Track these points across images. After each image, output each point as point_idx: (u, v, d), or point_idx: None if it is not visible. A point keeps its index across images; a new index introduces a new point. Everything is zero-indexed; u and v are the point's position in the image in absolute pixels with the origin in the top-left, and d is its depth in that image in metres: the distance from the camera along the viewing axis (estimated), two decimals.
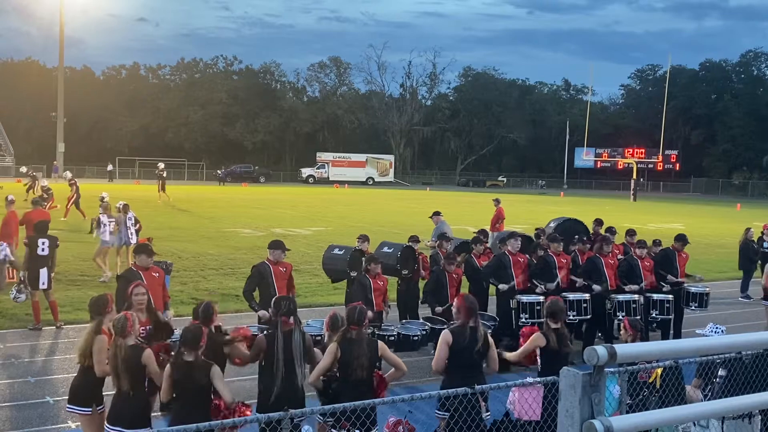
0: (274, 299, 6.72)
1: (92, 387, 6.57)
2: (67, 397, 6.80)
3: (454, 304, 7.02)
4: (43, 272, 12.20)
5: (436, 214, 15.63)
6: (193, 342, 5.88)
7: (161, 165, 44.76)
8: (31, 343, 11.35)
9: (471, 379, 6.74)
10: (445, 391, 5.10)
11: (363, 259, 10.76)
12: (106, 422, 6.25)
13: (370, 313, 7.71)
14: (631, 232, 13.56)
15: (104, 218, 16.78)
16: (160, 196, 40.06)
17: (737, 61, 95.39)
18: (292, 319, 6.38)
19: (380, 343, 6.57)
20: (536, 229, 14.88)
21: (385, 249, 11.95)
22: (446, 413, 6.36)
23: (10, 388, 9.30)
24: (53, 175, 64.31)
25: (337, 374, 6.32)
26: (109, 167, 71.64)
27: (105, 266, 16.41)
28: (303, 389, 6.33)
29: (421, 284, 11.95)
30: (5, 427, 8.03)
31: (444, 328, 9.90)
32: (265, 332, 6.65)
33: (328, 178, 79.58)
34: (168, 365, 5.97)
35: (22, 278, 12.52)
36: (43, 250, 12.33)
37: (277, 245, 9.75)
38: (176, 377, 5.83)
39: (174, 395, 5.90)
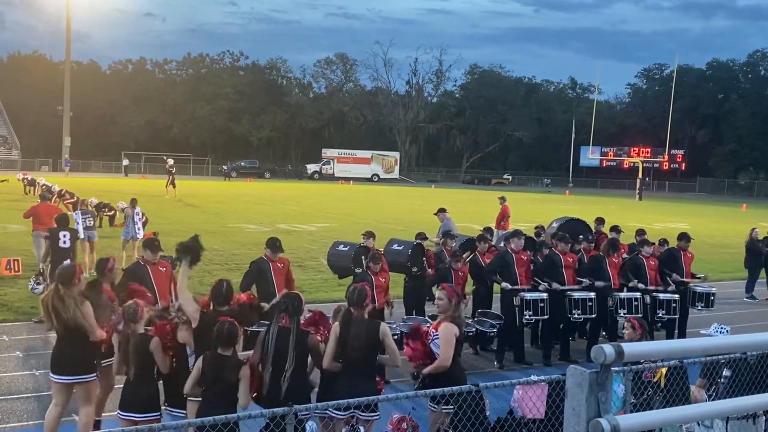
0: (280, 295, 6.70)
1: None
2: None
3: (441, 295, 6.83)
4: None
5: (442, 211, 15.58)
6: (229, 338, 5.86)
7: (171, 161, 44.93)
8: (36, 336, 11.38)
9: (462, 369, 6.80)
10: (449, 388, 5.08)
11: (369, 255, 10.76)
12: (118, 410, 6.37)
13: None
14: (640, 232, 13.57)
15: (77, 215, 16.62)
16: (167, 191, 40.17)
17: (744, 60, 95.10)
18: (291, 319, 6.22)
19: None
20: (536, 227, 14.85)
21: (395, 246, 11.94)
22: (450, 407, 6.33)
23: (14, 380, 9.33)
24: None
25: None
26: (125, 162, 71.72)
27: (86, 263, 16.28)
28: (295, 388, 6.24)
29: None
30: (10, 419, 8.06)
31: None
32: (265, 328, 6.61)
33: (333, 174, 79.59)
34: (200, 358, 5.97)
35: (42, 270, 12.58)
36: (64, 242, 12.38)
37: (271, 244, 9.72)
38: (207, 371, 5.81)
39: (203, 388, 5.90)
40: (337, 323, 6.42)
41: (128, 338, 6.30)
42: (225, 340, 5.85)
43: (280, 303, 6.40)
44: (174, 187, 40.76)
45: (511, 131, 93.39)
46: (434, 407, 6.59)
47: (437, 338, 6.61)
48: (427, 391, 5.64)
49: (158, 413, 6.27)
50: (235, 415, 4.18)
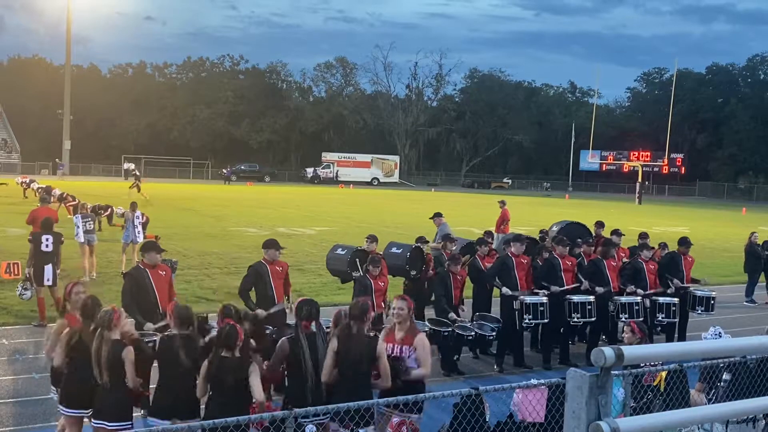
0: (296, 303, 6.69)
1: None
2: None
3: (402, 305, 6.75)
4: (48, 269, 12.20)
5: (438, 215, 15.58)
6: (228, 341, 5.88)
7: (131, 165, 44.79)
8: (35, 340, 11.37)
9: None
10: (449, 391, 5.08)
11: (368, 257, 10.76)
12: (92, 418, 6.27)
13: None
14: (643, 235, 13.59)
15: (77, 219, 16.61)
16: (144, 194, 39.47)
17: (744, 65, 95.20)
18: (313, 324, 6.36)
19: (381, 345, 6.39)
20: (540, 232, 14.89)
21: (394, 249, 11.94)
22: (417, 415, 6.33)
23: (14, 384, 9.33)
24: (58, 172, 64.09)
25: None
26: (125, 165, 71.66)
27: (86, 267, 16.32)
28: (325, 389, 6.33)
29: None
30: (9, 423, 8.05)
31: (449, 330, 9.95)
32: (288, 336, 6.61)
33: (333, 178, 79.63)
34: (205, 362, 5.95)
35: (28, 275, 12.54)
36: (47, 246, 12.32)
37: (271, 244, 9.67)
38: (213, 374, 5.83)
39: (210, 392, 5.91)
40: (335, 338, 6.37)
41: (100, 344, 6.14)
42: (224, 342, 5.89)
43: (300, 310, 6.41)
44: (138, 190, 40.26)
45: (510, 135, 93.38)
46: (398, 413, 6.36)
47: (413, 353, 6.56)
48: (427, 395, 5.62)
49: (130, 422, 6.16)
50: (234, 419, 4.16)
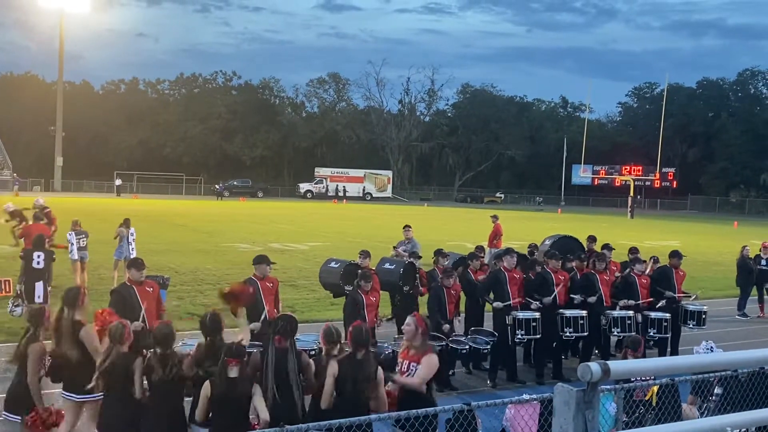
0: (274, 317, 6.70)
1: None
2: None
3: (410, 321, 6.78)
4: (39, 286, 12.16)
5: (407, 227, 15.87)
6: (237, 357, 5.85)
7: None
8: None
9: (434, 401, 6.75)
10: (441, 407, 5.06)
11: (359, 272, 10.77)
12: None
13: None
14: (633, 250, 13.64)
15: (71, 236, 16.57)
16: None
17: (734, 79, 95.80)
18: (287, 340, 6.28)
19: (381, 372, 6.38)
20: (529, 246, 14.91)
21: (387, 265, 11.95)
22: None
23: (3, 402, 9.24)
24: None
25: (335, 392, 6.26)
26: (117, 182, 71.47)
27: (78, 283, 16.25)
28: (302, 409, 6.26)
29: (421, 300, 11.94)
30: None
31: (442, 345, 9.94)
32: (260, 350, 6.60)
33: (327, 193, 79.67)
34: (207, 382, 5.90)
35: (19, 292, 12.49)
36: (38, 263, 12.31)
37: (261, 260, 9.71)
38: (217, 393, 5.77)
39: (212, 412, 5.86)
40: (335, 362, 6.30)
41: (114, 360, 6.19)
42: (235, 358, 5.84)
43: (276, 324, 6.39)
44: None
45: (503, 150, 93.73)
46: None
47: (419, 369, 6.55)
48: (419, 411, 5.59)
49: None
50: None
